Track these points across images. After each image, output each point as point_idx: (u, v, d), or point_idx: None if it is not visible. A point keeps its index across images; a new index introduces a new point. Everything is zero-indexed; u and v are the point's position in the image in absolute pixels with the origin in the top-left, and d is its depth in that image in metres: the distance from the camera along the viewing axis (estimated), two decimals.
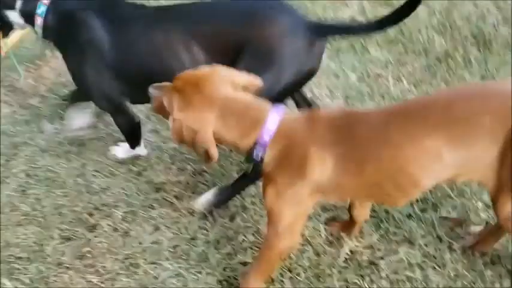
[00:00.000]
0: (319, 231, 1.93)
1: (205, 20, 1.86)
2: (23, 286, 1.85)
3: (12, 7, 2.09)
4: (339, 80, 2.66)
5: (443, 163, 1.42)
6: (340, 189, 1.55)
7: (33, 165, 2.32)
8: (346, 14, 3.08)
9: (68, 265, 1.90)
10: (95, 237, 1.99)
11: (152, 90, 1.58)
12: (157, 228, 2.01)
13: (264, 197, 1.59)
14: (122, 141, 2.29)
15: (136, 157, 2.30)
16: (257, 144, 1.50)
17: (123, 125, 2.19)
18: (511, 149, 1.38)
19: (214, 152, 1.51)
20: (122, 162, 2.29)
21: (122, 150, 2.31)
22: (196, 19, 1.88)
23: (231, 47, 1.79)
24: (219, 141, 1.52)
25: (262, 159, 1.52)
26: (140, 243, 1.96)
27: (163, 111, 1.55)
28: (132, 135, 2.25)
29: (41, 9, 2.04)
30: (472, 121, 1.39)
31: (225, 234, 1.96)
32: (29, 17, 2.09)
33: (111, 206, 2.11)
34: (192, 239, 1.96)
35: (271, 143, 1.50)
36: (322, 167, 1.47)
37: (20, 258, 1.94)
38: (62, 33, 2.04)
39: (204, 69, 1.54)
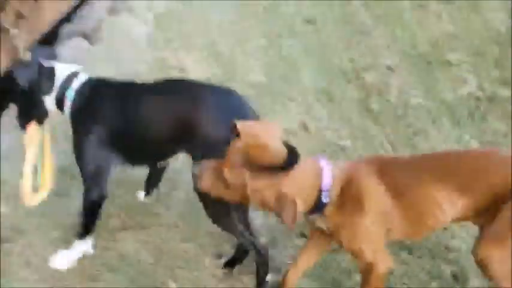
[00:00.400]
0: None
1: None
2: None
3: (49, 93, 2.27)
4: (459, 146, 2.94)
5: (457, 204, 1.82)
6: (389, 219, 1.83)
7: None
8: (465, 91, 3.37)
9: (221, 278, 2.28)
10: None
11: (201, 169, 1.79)
12: None
13: (336, 240, 1.91)
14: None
15: None
16: (322, 192, 1.79)
17: (92, 196, 2.28)
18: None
19: (300, 206, 1.71)
20: None
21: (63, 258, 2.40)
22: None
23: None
24: None
25: (324, 205, 1.81)
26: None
27: (221, 188, 1.77)
28: (92, 213, 2.33)
29: (70, 94, 2.25)
30: (478, 175, 1.82)
31: None
32: (60, 101, 2.28)
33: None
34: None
35: (330, 189, 1.80)
36: (375, 198, 1.81)
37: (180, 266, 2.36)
38: (80, 112, 2.26)
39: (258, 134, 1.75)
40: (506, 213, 1.78)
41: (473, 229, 2.36)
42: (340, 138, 3.08)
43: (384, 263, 1.89)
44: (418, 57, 3.75)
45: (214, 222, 2.15)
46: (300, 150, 2.63)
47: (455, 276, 2.25)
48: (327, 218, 1.86)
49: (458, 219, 1.93)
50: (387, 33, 4.11)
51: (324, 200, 1.80)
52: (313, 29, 4.31)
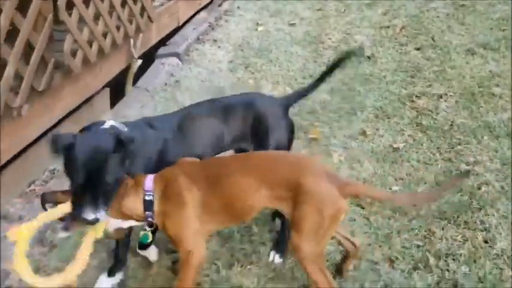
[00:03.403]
0: None
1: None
2: None
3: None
4: (496, 155, 3.47)
5: (261, 194, 2.15)
6: (207, 210, 2.15)
7: None
8: (505, 116, 3.91)
9: None
10: None
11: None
12: None
13: (164, 231, 2.19)
14: None
15: None
16: (145, 201, 2.12)
17: None
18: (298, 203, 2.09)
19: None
20: None
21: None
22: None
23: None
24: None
25: (151, 203, 2.12)
26: None
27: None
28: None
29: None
30: (274, 170, 2.17)
31: None
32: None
33: None
34: None
35: (153, 189, 2.12)
36: (192, 193, 2.14)
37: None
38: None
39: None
40: (299, 210, 2.10)
41: (503, 208, 2.92)
42: (394, 142, 3.67)
43: (199, 252, 2.16)
44: (464, 89, 4.34)
45: None
46: (359, 151, 3.39)
47: (486, 241, 2.74)
48: (156, 214, 2.17)
49: (266, 205, 2.23)
50: (438, 70, 4.76)
51: (147, 197, 2.14)
52: (373, 62, 5.03)
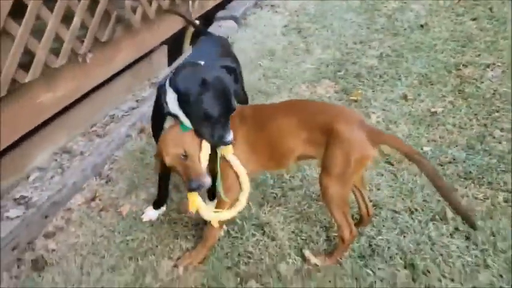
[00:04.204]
0: None
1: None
2: None
3: None
4: None
5: (300, 137, 2.31)
6: (253, 150, 2.35)
7: None
8: None
9: None
10: None
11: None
12: None
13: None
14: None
15: None
16: None
17: None
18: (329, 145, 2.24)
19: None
20: None
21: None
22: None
23: None
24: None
25: None
26: None
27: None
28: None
29: None
30: (314, 115, 2.31)
31: None
32: None
33: None
34: None
35: None
36: (242, 131, 2.33)
37: None
38: None
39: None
40: (330, 152, 2.26)
41: None
42: (432, 107, 3.75)
43: (236, 188, 2.41)
44: None
45: None
46: (398, 113, 3.52)
47: (505, 200, 2.82)
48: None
49: (302, 151, 2.37)
50: (490, 40, 4.72)
51: None
52: (425, 31, 5.05)
